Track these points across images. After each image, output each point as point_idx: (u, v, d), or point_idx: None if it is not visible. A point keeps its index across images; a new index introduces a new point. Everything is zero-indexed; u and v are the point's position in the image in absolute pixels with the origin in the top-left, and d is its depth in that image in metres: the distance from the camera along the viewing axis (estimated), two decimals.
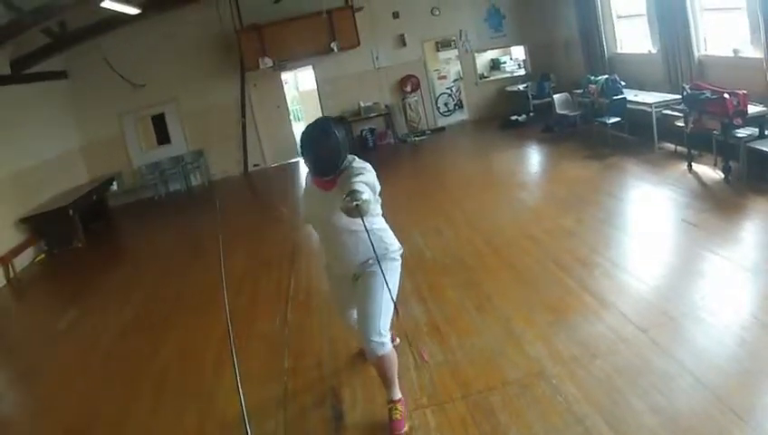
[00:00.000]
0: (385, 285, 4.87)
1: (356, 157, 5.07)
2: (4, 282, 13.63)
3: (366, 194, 4.33)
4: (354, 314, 5.59)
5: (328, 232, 5.20)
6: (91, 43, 17.46)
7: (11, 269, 13.88)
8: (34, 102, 17.01)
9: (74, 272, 13.61)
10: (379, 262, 4.84)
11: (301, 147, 4.93)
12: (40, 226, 15.15)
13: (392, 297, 4.81)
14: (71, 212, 15.04)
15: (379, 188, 4.90)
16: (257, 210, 15.70)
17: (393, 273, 5.25)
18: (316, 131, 4.87)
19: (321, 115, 20.68)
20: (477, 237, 10.06)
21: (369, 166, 4.96)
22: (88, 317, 10.54)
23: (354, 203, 4.19)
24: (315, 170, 4.96)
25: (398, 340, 6.64)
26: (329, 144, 4.79)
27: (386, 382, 5.38)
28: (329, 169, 4.87)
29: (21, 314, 12.43)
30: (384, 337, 5.13)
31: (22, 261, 14.56)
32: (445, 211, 11.80)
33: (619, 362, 5.69)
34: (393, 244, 5.34)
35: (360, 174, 4.69)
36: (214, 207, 16.63)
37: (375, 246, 4.77)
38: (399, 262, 5.41)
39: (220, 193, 19.28)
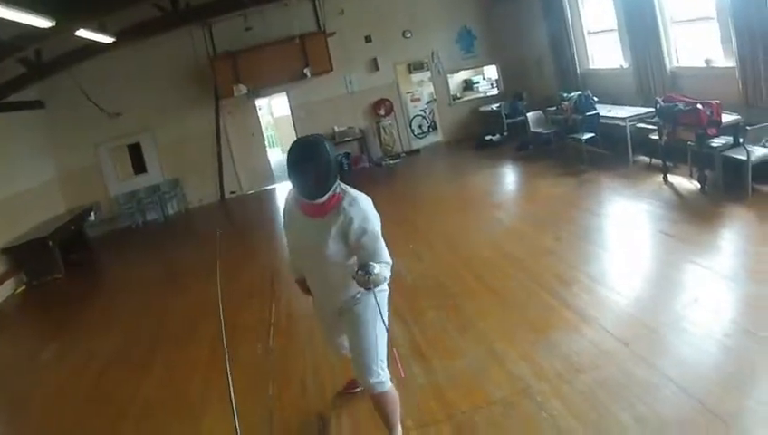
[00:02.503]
0: (377, 318, 4.74)
1: (343, 184, 4.70)
2: None
3: (377, 267, 4.37)
4: (343, 341, 5.43)
5: (314, 263, 4.88)
6: (67, 73, 17.46)
7: None
8: (11, 132, 16.95)
9: (55, 303, 13.50)
10: (375, 295, 4.57)
11: (288, 165, 4.48)
12: (19, 257, 15.05)
13: (385, 325, 4.77)
14: (50, 243, 14.96)
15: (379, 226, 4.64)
16: (235, 238, 15.59)
17: (383, 304, 4.79)
18: (306, 149, 4.49)
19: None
20: (456, 259, 10.07)
21: (367, 201, 4.67)
22: (69, 350, 10.40)
23: (367, 277, 4.28)
24: (303, 192, 4.54)
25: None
26: (319, 163, 4.41)
27: (387, 423, 5.11)
28: (318, 191, 4.47)
29: (2, 346, 12.30)
30: (383, 374, 4.88)
31: (1, 293, 14.46)
32: (423, 234, 11.81)
33: (603, 375, 5.69)
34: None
35: (364, 223, 4.51)
36: (191, 237, 16.66)
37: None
38: (387, 292, 5.01)
39: (199, 222, 19.28)
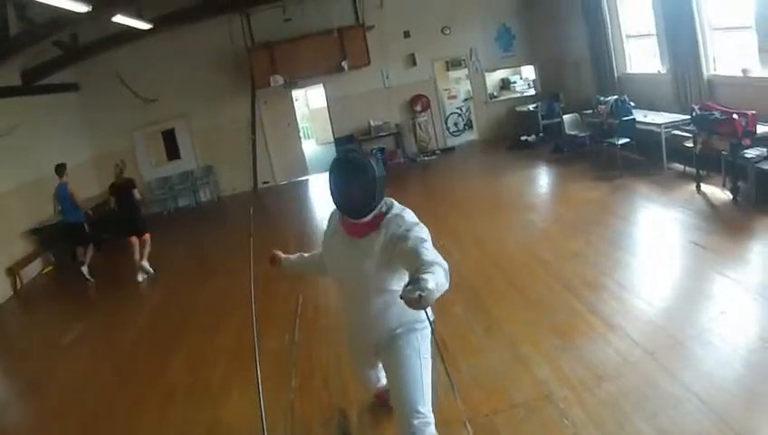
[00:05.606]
0: (419, 355, 4.42)
1: (394, 201, 4.35)
2: (12, 293, 13.72)
3: (431, 282, 3.39)
4: (372, 373, 5.32)
5: (354, 289, 4.46)
6: (103, 57, 17.66)
7: (18, 280, 13.97)
8: (45, 114, 17.18)
9: (81, 285, 13.54)
10: (431, 323, 3.90)
11: (330, 181, 4.18)
12: (49, 238, 15.30)
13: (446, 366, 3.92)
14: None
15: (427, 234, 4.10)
16: (266, 228, 15.63)
17: (425, 340, 4.48)
18: (350, 164, 4.15)
19: (332, 134, 20.78)
20: (485, 258, 10.10)
21: (414, 216, 4.23)
22: (95, 331, 10.66)
23: (417, 293, 3.28)
24: (348, 211, 4.22)
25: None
26: (365, 179, 4.07)
27: None
28: (364, 209, 4.14)
29: (28, 325, 12.49)
30: (428, 416, 4.34)
31: (29, 272, 14.75)
32: (453, 231, 11.79)
33: (626, 385, 5.69)
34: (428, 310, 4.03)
35: (408, 230, 4.02)
36: (223, 224, 16.75)
37: (409, 312, 3.92)
38: (430, 329, 4.40)
39: (231, 210, 19.46)
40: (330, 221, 4.64)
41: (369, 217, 4.17)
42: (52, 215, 14.11)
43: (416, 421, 4.27)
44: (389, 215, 4.19)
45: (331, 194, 4.21)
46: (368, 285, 4.29)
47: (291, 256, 5.18)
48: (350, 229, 4.31)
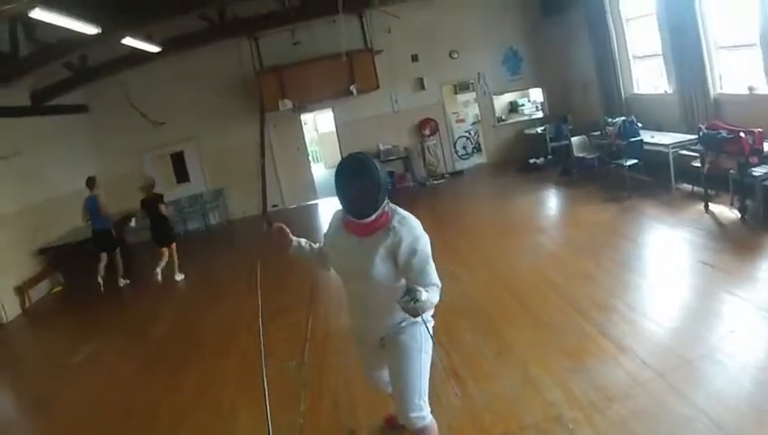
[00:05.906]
0: (422, 348, 4.63)
1: (396, 205, 4.55)
2: (20, 311, 13.78)
3: (425, 295, 3.95)
4: (382, 375, 5.24)
5: (358, 286, 4.64)
6: (112, 79, 17.89)
7: (27, 299, 14.05)
8: (54, 135, 17.31)
9: (90, 306, 13.69)
10: (425, 324, 4.43)
11: (336, 182, 4.35)
12: (57, 258, 15.43)
13: (431, 357, 4.67)
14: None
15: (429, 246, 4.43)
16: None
17: (427, 336, 4.58)
18: (356, 165, 4.33)
19: (344, 155, 20.83)
20: (496, 281, 10.07)
21: (417, 221, 4.48)
22: (103, 351, 10.71)
23: (413, 303, 3.89)
24: (353, 210, 4.39)
25: None
26: (370, 181, 4.27)
27: None
28: (368, 209, 4.32)
29: (36, 344, 12.49)
30: (424, 408, 4.63)
31: (38, 292, 14.89)
32: (463, 255, 11.79)
33: (636, 406, 5.67)
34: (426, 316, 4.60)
35: (414, 243, 4.33)
36: (232, 247, 16.78)
37: None
38: (433, 323, 4.75)
39: (241, 233, 19.67)
40: (332, 222, 4.83)
41: (373, 216, 4.37)
42: (82, 225, 14.66)
43: (413, 414, 4.59)
44: (396, 218, 4.42)
45: (337, 192, 4.38)
46: (374, 282, 4.44)
47: (300, 240, 5.13)
48: (355, 229, 4.50)
